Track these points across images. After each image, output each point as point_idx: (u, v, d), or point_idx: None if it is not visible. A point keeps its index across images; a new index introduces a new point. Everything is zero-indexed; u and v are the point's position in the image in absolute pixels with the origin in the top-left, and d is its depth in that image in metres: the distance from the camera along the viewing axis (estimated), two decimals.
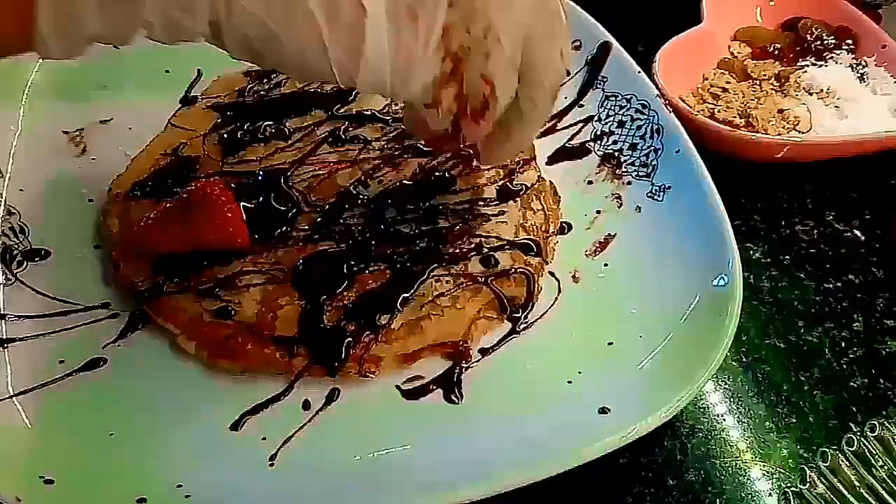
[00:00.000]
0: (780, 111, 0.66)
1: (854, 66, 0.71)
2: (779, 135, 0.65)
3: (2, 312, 0.47)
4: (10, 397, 0.43)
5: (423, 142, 0.56)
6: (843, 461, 0.45)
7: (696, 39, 0.71)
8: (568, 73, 0.66)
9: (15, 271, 0.49)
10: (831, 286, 0.58)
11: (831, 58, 0.71)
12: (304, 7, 0.33)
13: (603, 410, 0.44)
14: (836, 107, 0.67)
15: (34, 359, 0.45)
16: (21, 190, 0.53)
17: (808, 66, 0.71)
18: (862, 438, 0.46)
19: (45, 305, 0.48)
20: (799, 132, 0.65)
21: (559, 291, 0.52)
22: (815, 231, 0.62)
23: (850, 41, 0.73)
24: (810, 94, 0.68)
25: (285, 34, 0.33)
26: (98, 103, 0.60)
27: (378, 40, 0.34)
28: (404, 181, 0.56)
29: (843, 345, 0.54)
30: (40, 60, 0.59)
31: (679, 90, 0.67)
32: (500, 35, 0.37)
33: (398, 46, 0.35)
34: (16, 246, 0.50)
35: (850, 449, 0.46)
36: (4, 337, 0.46)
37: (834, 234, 0.62)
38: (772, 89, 0.69)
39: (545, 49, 0.40)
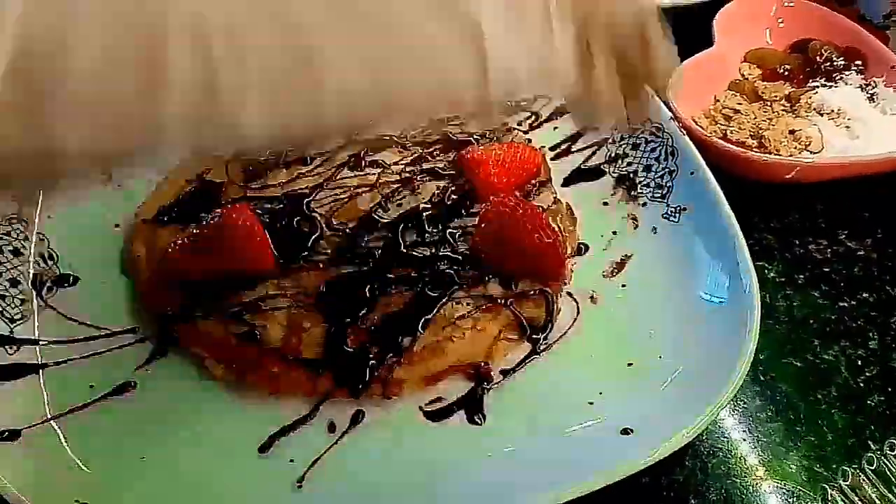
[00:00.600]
0: (792, 132, 0.67)
1: (864, 86, 0.72)
2: (790, 155, 0.65)
3: (36, 338, 0.48)
4: (46, 421, 0.44)
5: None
6: (864, 480, 0.46)
7: (708, 62, 0.72)
8: None
9: (45, 297, 0.50)
10: (846, 304, 0.59)
11: (841, 79, 0.72)
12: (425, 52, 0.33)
13: (626, 431, 0.45)
14: (847, 127, 0.68)
15: (65, 384, 0.46)
16: (49, 217, 0.54)
17: (818, 87, 0.71)
18: (882, 457, 0.47)
19: (75, 330, 0.49)
20: (811, 152, 0.66)
21: (578, 312, 0.53)
22: (829, 250, 0.63)
23: (859, 62, 0.74)
24: (821, 115, 0.69)
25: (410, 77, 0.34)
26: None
27: (504, 58, 0.34)
28: (423, 205, 0.57)
29: (859, 363, 0.55)
30: None
31: (691, 112, 0.68)
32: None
33: (525, 51, 0.35)
34: (46, 272, 0.52)
35: (871, 467, 0.46)
36: (39, 362, 0.47)
37: (847, 252, 0.63)
38: (783, 110, 0.70)
39: None
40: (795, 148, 0.66)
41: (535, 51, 0.35)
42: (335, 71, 0.31)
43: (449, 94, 0.34)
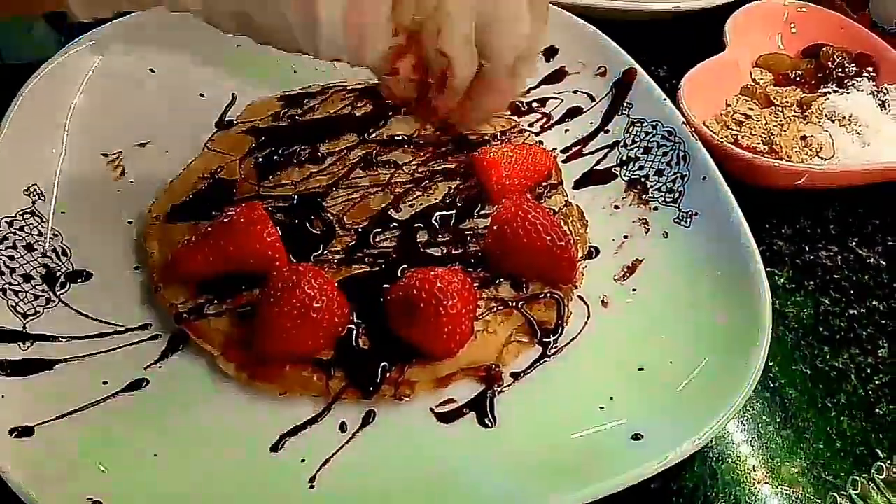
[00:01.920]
0: (804, 138, 0.67)
1: (875, 93, 0.72)
2: (801, 161, 0.65)
3: (49, 334, 0.48)
4: (59, 418, 0.44)
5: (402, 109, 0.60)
6: (873, 489, 0.46)
7: (719, 66, 0.72)
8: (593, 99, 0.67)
9: (58, 293, 0.50)
10: (856, 312, 0.59)
11: (852, 85, 0.72)
12: None
13: (636, 437, 0.45)
14: (859, 134, 0.68)
15: (78, 380, 0.47)
16: (63, 213, 0.54)
17: (829, 93, 0.71)
18: (892, 466, 0.47)
19: (88, 326, 0.49)
20: (822, 159, 0.66)
21: (588, 316, 0.53)
22: (839, 257, 0.63)
23: (870, 69, 0.73)
24: (832, 122, 0.69)
25: (257, 14, 0.38)
26: (135, 127, 0.61)
27: (330, 14, 0.38)
28: (435, 205, 0.57)
29: (868, 371, 0.55)
30: (83, 83, 0.61)
31: (703, 116, 0.68)
32: (450, 11, 0.39)
33: (349, 19, 0.38)
34: (59, 268, 0.52)
35: (881, 477, 0.46)
36: (52, 358, 0.47)
37: (857, 260, 0.63)
38: (794, 116, 0.70)
39: (502, 29, 0.42)
40: (807, 154, 0.66)
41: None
42: None
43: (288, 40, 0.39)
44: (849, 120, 0.69)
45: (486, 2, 0.41)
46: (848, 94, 0.71)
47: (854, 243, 0.64)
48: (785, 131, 0.67)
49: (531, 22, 0.43)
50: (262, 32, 0.40)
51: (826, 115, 0.69)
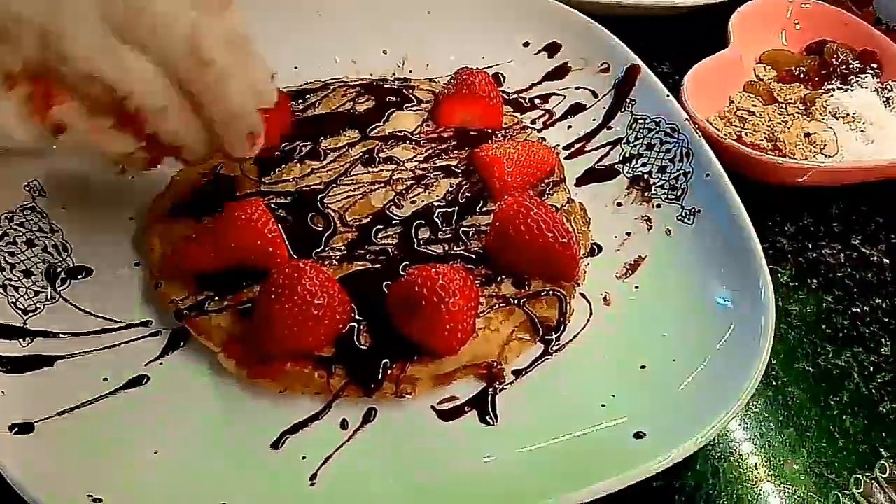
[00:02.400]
0: (807, 135, 0.67)
1: (879, 90, 0.71)
2: (805, 158, 0.65)
3: (49, 330, 0.48)
4: (59, 414, 0.44)
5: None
6: (876, 487, 0.46)
7: (723, 62, 0.72)
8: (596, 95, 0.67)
9: (59, 289, 0.50)
10: (859, 310, 0.59)
11: (856, 82, 0.72)
12: None
13: (638, 435, 0.45)
14: (862, 131, 0.68)
15: (79, 376, 0.46)
16: (63, 208, 0.54)
17: (833, 90, 0.71)
18: (895, 464, 0.47)
19: (88, 323, 0.49)
20: (826, 156, 0.65)
21: (590, 313, 0.53)
22: (842, 255, 0.63)
23: (874, 65, 0.73)
24: (836, 119, 0.68)
25: None
26: None
27: None
28: (436, 202, 0.57)
29: (871, 369, 0.55)
30: None
31: (706, 112, 0.68)
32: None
33: None
34: (59, 264, 0.51)
35: (884, 475, 0.46)
36: (53, 354, 0.47)
37: (860, 257, 0.63)
38: (798, 113, 0.70)
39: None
40: (810, 151, 0.66)
41: None
42: None
43: None
44: (853, 117, 0.68)
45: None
46: (852, 91, 0.71)
47: (857, 241, 0.64)
48: (789, 128, 0.67)
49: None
50: None
51: (830, 113, 0.69)
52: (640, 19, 0.79)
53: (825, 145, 0.66)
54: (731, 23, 0.75)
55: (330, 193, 0.56)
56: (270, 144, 0.53)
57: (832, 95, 0.70)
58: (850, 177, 0.66)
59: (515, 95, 0.69)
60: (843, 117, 0.69)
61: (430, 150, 0.60)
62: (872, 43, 0.75)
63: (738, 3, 0.78)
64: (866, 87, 0.72)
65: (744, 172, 0.62)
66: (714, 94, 0.71)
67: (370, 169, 0.58)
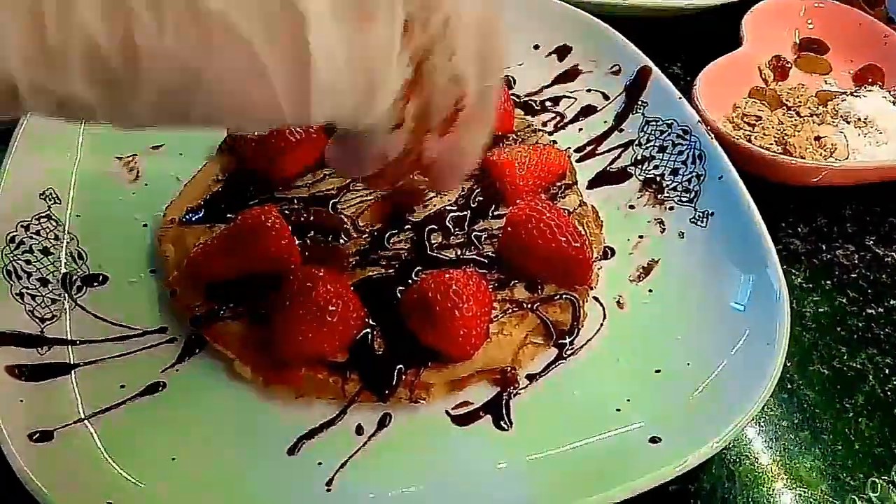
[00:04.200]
0: (818, 138, 0.66)
1: (888, 94, 0.71)
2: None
3: (66, 338, 0.48)
4: (78, 422, 0.44)
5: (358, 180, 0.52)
6: (893, 491, 0.46)
7: (736, 62, 0.72)
8: (607, 98, 0.67)
9: (75, 297, 0.51)
10: (873, 312, 0.59)
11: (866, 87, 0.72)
12: (225, 22, 0.24)
13: (654, 440, 0.45)
14: (874, 134, 0.67)
15: (96, 384, 0.47)
16: (78, 216, 0.54)
17: (845, 94, 0.71)
18: None
19: (105, 330, 0.50)
20: (836, 160, 0.65)
21: (604, 317, 0.53)
22: (856, 256, 0.63)
23: (880, 83, 0.73)
24: (847, 122, 0.68)
25: (209, 67, 0.25)
26: (149, 130, 0.61)
27: (328, 52, 0.26)
28: (448, 206, 0.57)
29: (886, 371, 0.55)
30: None
31: (718, 113, 0.68)
32: (460, 26, 0.31)
33: (353, 55, 0.27)
34: (75, 271, 0.52)
35: None
36: (71, 362, 0.47)
37: (875, 258, 0.63)
38: (808, 116, 0.69)
39: (498, 39, 0.34)
40: (821, 155, 0.65)
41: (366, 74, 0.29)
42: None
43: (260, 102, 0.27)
44: (864, 122, 0.68)
45: (487, 12, 0.33)
46: (864, 96, 0.71)
47: (871, 242, 0.64)
48: (798, 132, 0.67)
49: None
50: (213, 103, 0.26)
51: (841, 116, 0.69)
52: (650, 20, 0.79)
53: (835, 149, 0.65)
54: (744, 22, 0.75)
55: (342, 199, 0.56)
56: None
57: (844, 100, 0.70)
58: (863, 177, 0.66)
59: (526, 98, 0.69)
60: (854, 121, 0.68)
61: None
62: (886, 45, 0.75)
63: (749, 3, 0.78)
64: (877, 93, 0.71)
65: (757, 174, 0.61)
66: (727, 94, 0.71)
67: None
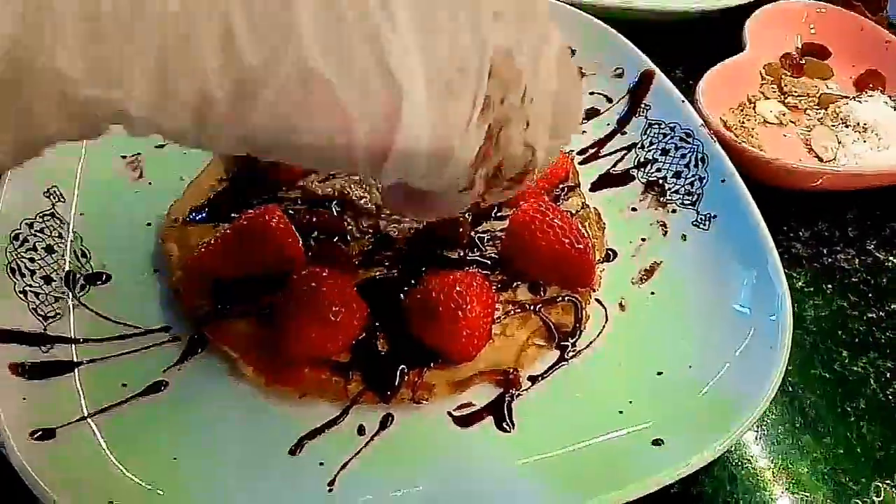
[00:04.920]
0: (819, 142, 0.66)
1: (891, 97, 0.71)
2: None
3: (69, 336, 0.48)
4: (80, 420, 0.44)
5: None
6: (895, 496, 0.46)
7: (738, 67, 0.72)
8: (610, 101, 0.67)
9: (79, 295, 0.51)
10: (874, 316, 0.59)
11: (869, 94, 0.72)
12: (329, 90, 0.26)
13: (656, 442, 0.45)
14: (874, 139, 0.67)
15: (99, 382, 0.47)
16: (82, 214, 0.54)
17: (847, 98, 0.71)
18: None
19: (108, 328, 0.50)
20: (836, 163, 0.65)
21: (606, 319, 0.53)
22: (857, 260, 0.63)
23: (880, 88, 0.73)
24: (847, 126, 0.68)
25: (304, 124, 0.27)
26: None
27: (415, 122, 0.28)
28: None
29: (888, 375, 0.55)
30: None
31: (720, 117, 0.68)
32: (538, 100, 0.33)
33: (436, 128, 0.29)
34: (79, 270, 0.52)
35: None
36: (74, 360, 0.47)
37: (876, 262, 0.63)
38: (811, 111, 0.70)
39: (571, 110, 0.36)
40: (821, 158, 0.65)
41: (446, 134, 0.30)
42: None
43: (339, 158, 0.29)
44: (863, 128, 0.68)
45: (562, 86, 0.34)
46: (866, 101, 0.71)
47: (872, 246, 0.64)
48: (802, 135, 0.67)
49: None
50: (298, 152, 0.28)
51: (841, 120, 0.69)
52: (652, 24, 0.79)
53: (836, 153, 0.66)
54: (747, 27, 0.75)
55: (347, 199, 0.56)
56: None
57: (847, 103, 0.70)
58: (864, 181, 0.66)
59: None
60: (853, 126, 0.68)
61: None
62: (887, 50, 0.75)
63: (752, 8, 0.78)
64: (878, 98, 0.72)
65: (756, 177, 0.61)
66: (729, 98, 0.71)
67: None
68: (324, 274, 0.47)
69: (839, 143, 0.67)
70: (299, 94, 0.26)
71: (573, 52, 0.70)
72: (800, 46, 0.78)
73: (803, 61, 0.74)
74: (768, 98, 0.72)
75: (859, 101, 0.71)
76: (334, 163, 0.29)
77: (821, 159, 0.65)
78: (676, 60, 0.77)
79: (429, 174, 0.31)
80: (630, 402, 0.48)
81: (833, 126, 0.69)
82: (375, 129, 0.28)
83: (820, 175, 0.63)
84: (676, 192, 0.60)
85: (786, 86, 0.72)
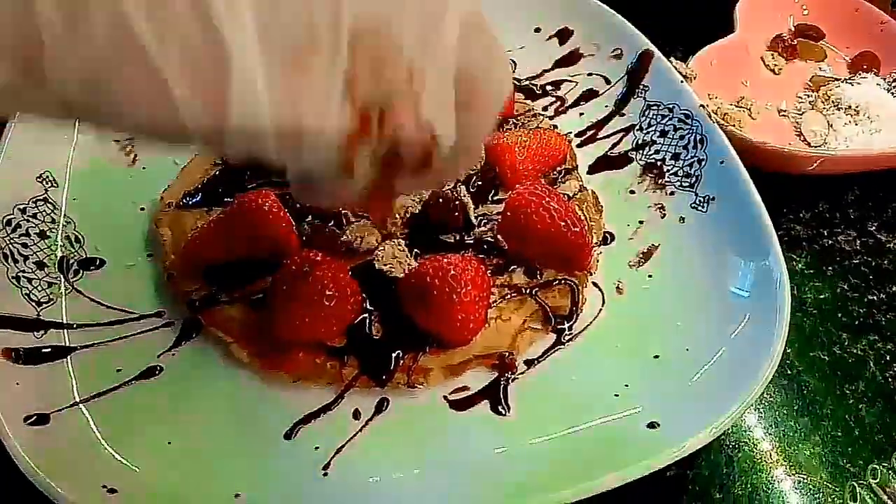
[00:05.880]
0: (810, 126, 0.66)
1: (885, 79, 0.70)
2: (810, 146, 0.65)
3: (63, 321, 0.48)
4: (74, 405, 0.44)
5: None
6: (893, 477, 0.45)
7: (728, 48, 0.71)
8: (608, 82, 0.66)
9: (72, 280, 0.50)
10: (875, 298, 0.58)
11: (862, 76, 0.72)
12: (135, 43, 0.24)
13: (652, 425, 0.44)
14: (867, 122, 0.67)
15: (93, 367, 0.47)
16: (75, 199, 0.54)
17: (839, 81, 0.70)
18: None
19: (101, 314, 0.49)
20: (830, 145, 0.64)
21: (603, 303, 0.53)
22: (858, 241, 0.62)
23: (875, 70, 0.73)
24: (838, 109, 0.68)
25: (116, 82, 0.25)
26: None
27: (248, 93, 0.26)
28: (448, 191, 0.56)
29: (888, 358, 0.54)
30: None
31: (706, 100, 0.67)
32: (427, 75, 0.30)
33: (281, 101, 0.27)
34: (72, 255, 0.52)
35: None
36: (68, 345, 0.47)
37: (876, 244, 0.62)
38: (801, 103, 0.69)
39: (486, 83, 0.33)
40: (813, 142, 0.65)
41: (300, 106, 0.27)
42: None
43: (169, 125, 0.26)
44: (855, 111, 0.67)
45: (470, 55, 0.31)
46: (858, 83, 0.70)
47: (873, 227, 0.63)
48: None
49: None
50: (121, 116, 0.26)
51: (833, 103, 0.68)
52: (651, 4, 0.78)
53: (827, 135, 0.65)
54: (738, 8, 0.74)
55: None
56: None
57: (839, 86, 0.69)
58: (859, 165, 0.65)
59: (527, 82, 0.68)
60: (845, 108, 0.68)
61: None
62: (882, 32, 0.74)
63: None
64: (871, 80, 0.71)
65: (750, 162, 0.61)
66: (719, 81, 0.70)
67: None
68: (317, 258, 0.47)
69: (830, 126, 0.66)
70: (108, 48, 0.24)
71: (570, 32, 0.69)
72: (792, 28, 0.77)
73: (795, 43, 0.73)
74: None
75: (851, 84, 0.70)
76: (164, 132, 0.26)
77: (810, 145, 0.64)
78: (675, 42, 0.76)
79: (282, 154, 0.28)
80: (626, 385, 0.47)
81: (825, 110, 0.68)
82: (200, 97, 0.25)
83: (813, 159, 0.62)
84: (675, 174, 0.59)
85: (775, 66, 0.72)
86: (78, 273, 0.51)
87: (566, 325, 0.51)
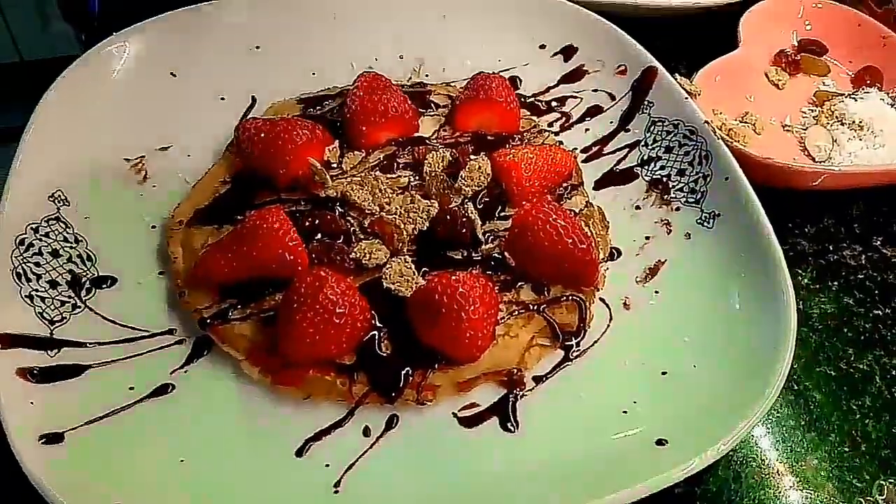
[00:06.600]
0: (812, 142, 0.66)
1: (888, 93, 0.71)
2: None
3: (76, 340, 0.48)
4: (87, 424, 0.45)
5: None
6: None
7: (733, 64, 0.72)
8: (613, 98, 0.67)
9: (84, 298, 0.51)
10: (880, 313, 0.58)
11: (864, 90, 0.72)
12: None
13: (660, 442, 0.45)
14: (870, 137, 0.67)
15: (105, 385, 0.47)
16: (87, 218, 0.55)
17: (843, 96, 0.71)
18: None
19: (114, 332, 0.50)
20: (834, 160, 0.65)
21: (610, 319, 0.53)
22: (863, 256, 0.62)
23: (879, 84, 0.73)
24: (842, 124, 0.68)
25: None
26: (157, 131, 0.61)
27: None
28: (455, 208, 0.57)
29: (893, 373, 0.55)
30: (104, 89, 0.61)
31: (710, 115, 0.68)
32: None
33: None
34: (84, 273, 0.52)
35: None
36: (80, 364, 0.47)
37: (882, 259, 0.62)
38: (804, 118, 0.70)
39: None
40: (817, 157, 0.65)
41: None
42: None
43: None
44: (859, 126, 0.68)
45: None
46: (862, 98, 0.71)
47: (878, 242, 0.64)
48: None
49: None
50: None
51: (837, 118, 0.69)
52: (655, 20, 0.78)
53: (830, 150, 0.65)
54: (741, 23, 0.75)
55: (349, 200, 0.56)
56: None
57: (842, 101, 0.70)
58: (862, 181, 0.65)
59: (532, 99, 0.69)
60: (849, 123, 0.68)
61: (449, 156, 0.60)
62: (885, 46, 0.74)
63: (748, 5, 0.77)
64: (876, 94, 0.71)
65: (753, 177, 0.61)
66: (723, 96, 0.70)
67: (389, 176, 0.59)
68: (327, 275, 0.47)
69: (834, 141, 0.66)
70: None
71: (575, 49, 0.70)
72: (795, 43, 0.77)
73: (798, 58, 0.73)
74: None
75: (855, 99, 0.70)
76: None
77: (814, 160, 0.65)
78: (679, 58, 0.76)
79: None
80: (634, 401, 0.48)
81: (828, 124, 0.68)
82: None
83: (817, 175, 0.62)
84: (680, 189, 0.60)
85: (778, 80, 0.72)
86: (90, 291, 0.51)
87: (574, 342, 0.52)
